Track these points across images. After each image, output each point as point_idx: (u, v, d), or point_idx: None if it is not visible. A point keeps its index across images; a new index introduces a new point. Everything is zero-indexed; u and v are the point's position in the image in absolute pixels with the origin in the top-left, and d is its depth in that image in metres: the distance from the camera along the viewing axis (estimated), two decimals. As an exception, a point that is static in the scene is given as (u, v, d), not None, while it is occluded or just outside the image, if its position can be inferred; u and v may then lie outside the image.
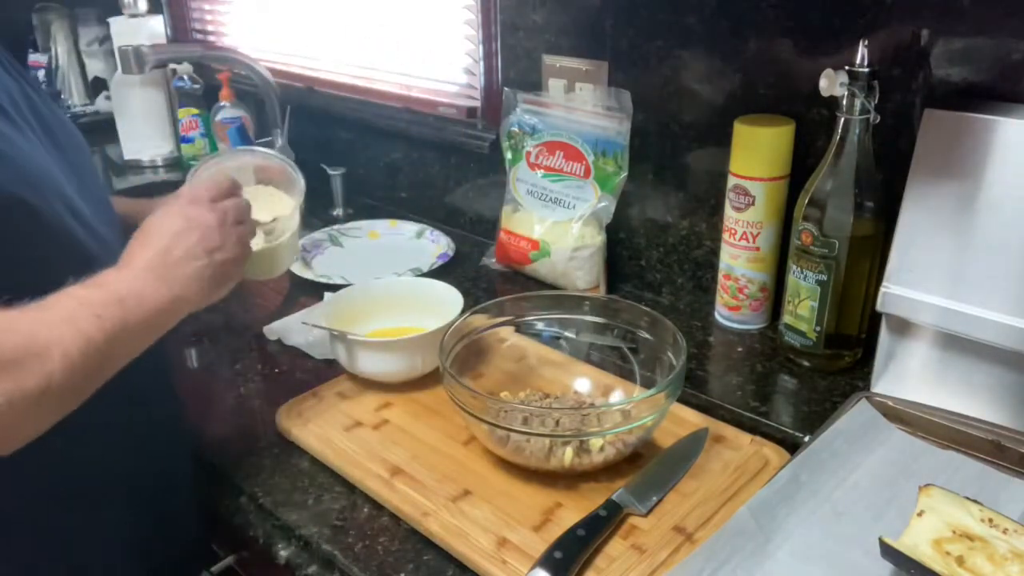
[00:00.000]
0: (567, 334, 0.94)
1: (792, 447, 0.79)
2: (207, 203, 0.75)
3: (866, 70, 0.81)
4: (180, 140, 1.75)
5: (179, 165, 1.79)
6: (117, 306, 0.63)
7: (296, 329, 1.06)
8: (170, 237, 0.70)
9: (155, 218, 0.72)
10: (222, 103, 1.65)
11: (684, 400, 0.86)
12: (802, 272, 0.90)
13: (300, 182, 0.95)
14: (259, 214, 0.86)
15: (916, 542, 0.61)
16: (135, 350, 0.65)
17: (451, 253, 1.29)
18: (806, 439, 0.78)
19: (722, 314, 1.06)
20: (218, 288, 0.74)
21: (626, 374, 0.89)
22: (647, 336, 0.86)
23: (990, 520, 0.62)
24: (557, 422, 0.74)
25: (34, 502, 0.69)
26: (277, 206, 0.93)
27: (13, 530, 0.68)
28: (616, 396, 0.87)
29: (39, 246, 0.65)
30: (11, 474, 0.65)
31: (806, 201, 0.88)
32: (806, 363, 0.95)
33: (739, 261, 1.01)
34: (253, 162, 0.96)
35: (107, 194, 0.81)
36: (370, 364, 0.90)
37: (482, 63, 1.28)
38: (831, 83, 0.82)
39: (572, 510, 0.72)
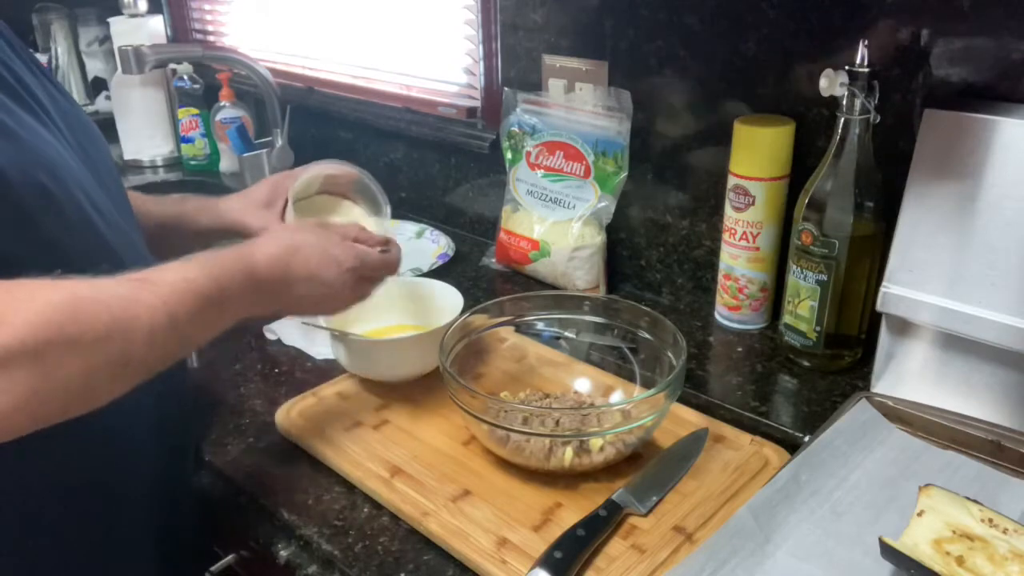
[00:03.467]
0: (567, 334, 0.94)
1: (792, 447, 0.79)
2: (354, 255, 0.77)
3: (866, 70, 0.81)
4: (180, 140, 1.75)
5: (179, 165, 1.79)
6: (215, 307, 0.65)
7: (296, 329, 1.06)
8: (302, 272, 0.73)
9: (302, 241, 0.75)
10: (222, 103, 1.65)
11: (684, 400, 0.86)
12: (802, 272, 0.90)
13: (383, 205, 1.01)
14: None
15: (916, 542, 0.61)
16: (206, 341, 0.68)
17: (451, 253, 1.29)
18: (806, 439, 0.78)
19: (722, 314, 1.06)
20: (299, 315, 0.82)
21: (626, 374, 0.89)
22: (647, 336, 0.86)
23: (990, 520, 0.62)
24: (557, 422, 0.74)
25: (34, 502, 0.69)
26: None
27: (12, 530, 0.68)
28: (616, 396, 0.87)
29: (58, 234, 0.66)
30: (11, 474, 0.65)
31: (806, 201, 0.88)
32: (806, 363, 0.95)
33: (739, 261, 1.01)
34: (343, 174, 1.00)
35: (123, 189, 0.82)
36: (370, 364, 0.90)
37: (482, 63, 1.28)
38: (831, 83, 0.82)
39: (572, 510, 0.72)
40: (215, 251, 0.69)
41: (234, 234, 0.95)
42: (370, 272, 0.79)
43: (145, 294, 0.60)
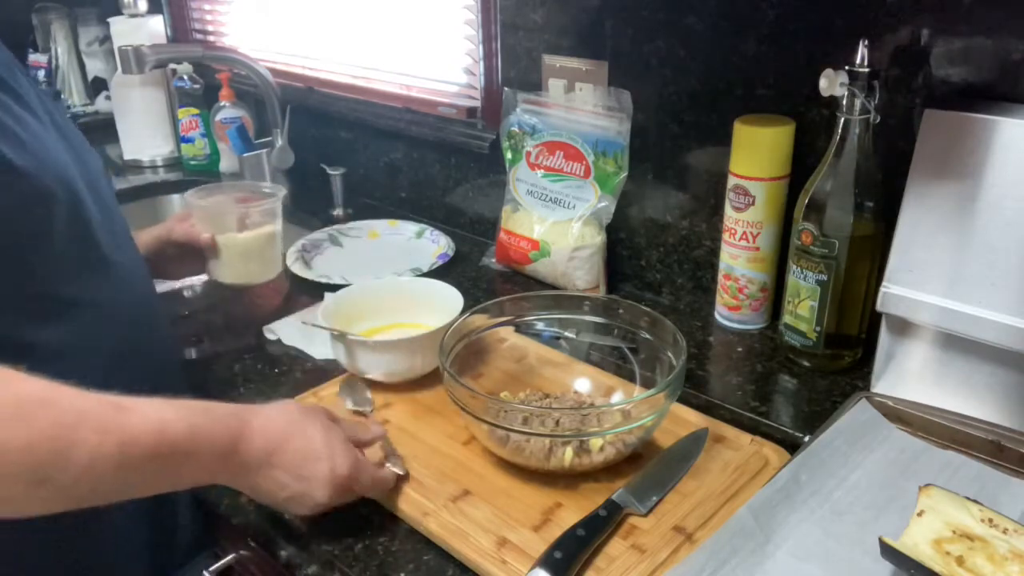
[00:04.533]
0: (567, 334, 0.94)
1: (792, 447, 0.79)
2: (351, 464, 0.69)
3: (866, 70, 0.81)
4: (180, 140, 1.75)
5: (179, 165, 1.79)
6: (177, 461, 0.59)
7: (296, 329, 1.06)
8: (291, 460, 0.66)
9: (305, 427, 0.68)
10: (222, 103, 1.65)
11: (684, 400, 0.86)
12: (802, 272, 0.90)
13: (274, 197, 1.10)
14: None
15: (916, 542, 0.61)
16: (151, 492, 0.61)
17: (451, 253, 1.29)
18: (806, 439, 0.78)
19: (722, 314, 1.06)
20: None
21: (626, 374, 0.89)
22: (647, 336, 0.86)
23: (990, 520, 0.62)
24: (557, 422, 0.74)
25: None
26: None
27: (10, 529, 0.68)
28: (616, 396, 0.87)
29: (61, 242, 0.67)
30: None
31: (806, 201, 0.88)
32: (806, 363, 0.95)
33: (739, 261, 1.01)
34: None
35: (114, 197, 0.83)
36: (370, 364, 0.90)
37: (482, 63, 1.29)
38: (831, 83, 0.82)
39: (572, 510, 0.72)
40: (212, 403, 0.64)
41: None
42: (359, 488, 0.71)
43: (108, 419, 0.55)
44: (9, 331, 0.65)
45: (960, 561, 0.59)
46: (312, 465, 0.67)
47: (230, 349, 1.04)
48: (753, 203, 0.97)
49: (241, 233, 1.07)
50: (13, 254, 0.64)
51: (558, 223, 1.16)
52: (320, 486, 0.67)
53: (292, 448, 0.66)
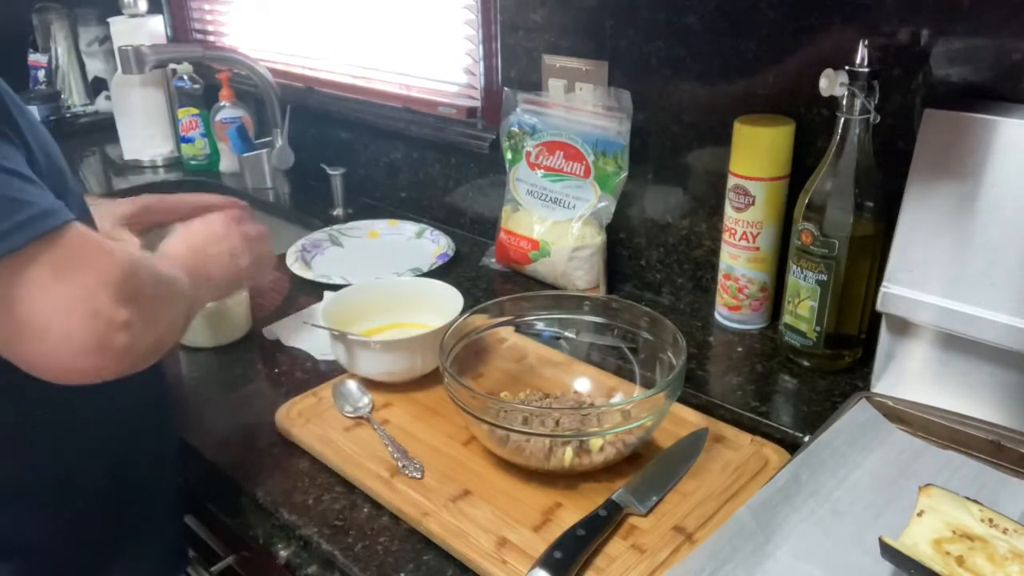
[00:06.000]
0: (567, 334, 0.94)
1: (792, 447, 0.79)
2: (237, 221, 0.86)
3: (866, 70, 0.81)
4: (180, 140, 1.75)
5: (179, 165, 1.79)
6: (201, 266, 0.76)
7: (296, 329, 1.06)
8: (207, 238, 0.81)
9: (196, 224, 0.84)
10: (222, 103, 1.66)
11: (684, 400, 0.86)
12: (802, 272, 0.90)
13: None
14: None
15: (916, 542, 0.61)
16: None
17: (451, 253, 1.29)
18: (806, 439, 0.78)
19: (722, 314, 1.06)
20: (228, 291, 0.86)
21: (626, 374, 0.89)
22: (647, 336, 0.86)
23: (990, 520, 0.62)
24: (557, 422, 0.74)
25: (24, 500, 0.69)
26: None
27: (6, 526, 0.68)
28: (616, 396, 0.87)
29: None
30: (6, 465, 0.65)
31: (806, 201, 0.88)
32: (806, 363, 0.95)
33: (739, 261, 1.01)
34: None
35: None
36: (370, 364, 0.90)
37: (482, 63, 1.28)
38: (831, 83, 0.82)
39: (572, 510, 0.72)
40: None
41: None
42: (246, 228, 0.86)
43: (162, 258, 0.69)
44: None
45: (960, 561, 0.59)
46: (222, 247, 0.82)
47: (230, 349, 1.04)
48: (753, 203, 0.97)
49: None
50: None
51: (558, 223, 1.16)
52: (236, 253, 0.82)
53: (200, 246, 0.81)
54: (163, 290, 0.64)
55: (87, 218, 0.72)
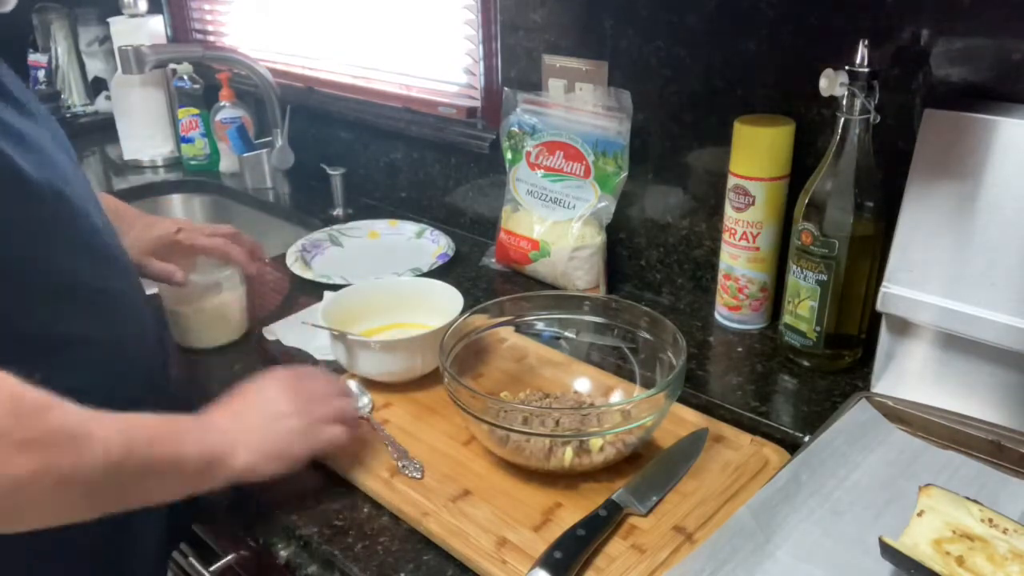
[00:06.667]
0: (567, 334, 0.94)
1: (792, 447, 0.79)
2: (322, 394, 0.76)
3: (866, 70, 0.81)
4: (180, 140, 1.75)
5: (179, 165, 1.79)
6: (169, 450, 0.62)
7: (296, 329, 1.06)
8: (261, 413, 0.71)
9: (263, 388, 0.74)
10: (222, 103, 1.66)
11: (684, 400, 0.86)
12: (802, 272, 0.90)
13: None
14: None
15: (916, 542, 0.61)
16: (154, 496, 0.63)
17: (451, 253, 1.29)
18: (806, 439, 0.79)
19: (722, 314, 1.06)
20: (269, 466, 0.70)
21: (626, 374, 0.89)
22: (647, 336, 0.86)
23: (990, 520, 0.62)
24: (557, 422, 0.74)
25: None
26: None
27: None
28: (616, 396, 0.87)
29: (73, 237, 0.68)
30: None
31: (806, 201, 0.88)
32: (806, 363, 0.95)
33: (739, 261, 1.01)
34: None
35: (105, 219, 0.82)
36: (370, 364, 0.90)
37: (482, 63, 1.29)
38: (831, 83, 0.82)
39: (572, 510, 0.72)
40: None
41: None
42: (330, 403, 0.76)
43: (99, 419, 0.57)
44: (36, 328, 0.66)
45: (960, 561, 0.59)
46: (274, 402, 0.72)
47: (230, 349, 1.04)
48: (753, 203, 0.97)
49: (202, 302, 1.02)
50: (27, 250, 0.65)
51: (558, 223, 1.16)
52: (295, 406, 0.72)
53: (248, 402, 0.72)
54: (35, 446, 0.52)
55: (96, 231, 0.71)
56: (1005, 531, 0.62)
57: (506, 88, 1.23)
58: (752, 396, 0.91)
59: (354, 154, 1.56)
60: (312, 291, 1.17)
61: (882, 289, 0.82)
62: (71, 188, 0.69)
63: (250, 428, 0.69)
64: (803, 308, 0.92)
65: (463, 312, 0.89)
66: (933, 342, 0.82)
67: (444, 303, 0.95)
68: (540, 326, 0.93)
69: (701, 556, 0.63)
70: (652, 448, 0.80)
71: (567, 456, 0.74)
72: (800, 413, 0.88)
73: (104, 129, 1.89)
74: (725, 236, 1.01)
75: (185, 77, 1.69)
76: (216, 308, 1.02)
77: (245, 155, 1.61)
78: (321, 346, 1.00)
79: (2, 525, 0.53)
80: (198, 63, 1.68)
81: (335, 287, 1.14)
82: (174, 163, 1.80)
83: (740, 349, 1.01)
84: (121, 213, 0.99)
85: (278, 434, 0.70)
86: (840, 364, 0.94)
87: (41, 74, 2.04)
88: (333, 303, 0.96)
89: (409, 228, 1.39)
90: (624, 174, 1.11)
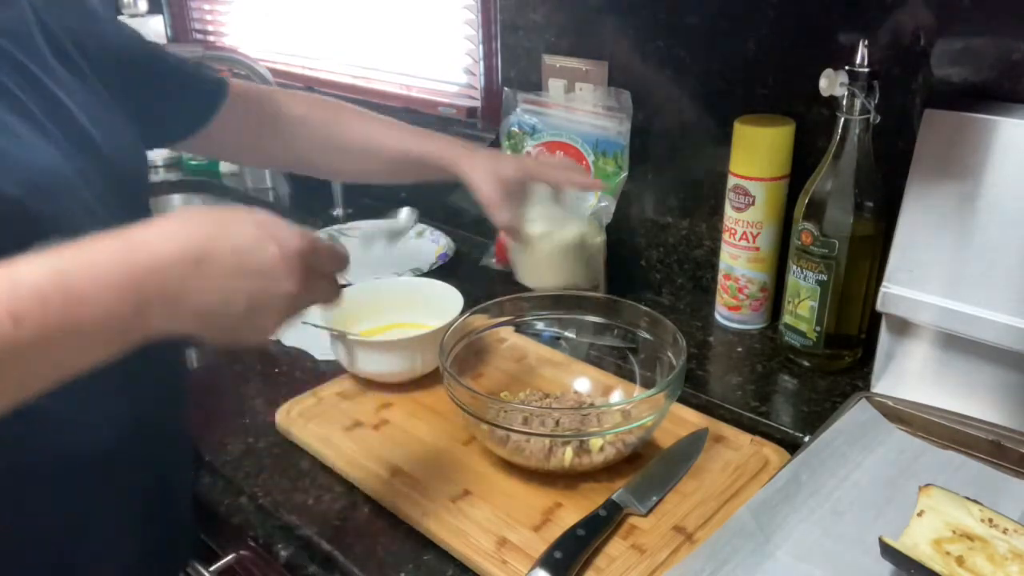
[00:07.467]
0: (567, 334, 0.94)
1: (792, 447, 0.79)
2: (300, 234, 0.57)
3: (866, 70, 0.81)
4: (180, 140, 1.75)
5: (179, 165, 1.79)
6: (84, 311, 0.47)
7: (296, 329, 1.05)
8: (234, 268, 0.53)
9: (229, 229, 0.54)
10: (222, 103, 1.65)
11: (684, 400, 0.86)
12: (802, 272, 0.90)
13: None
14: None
15: (916, 542, 0.61)
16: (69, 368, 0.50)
17: (451, 253, 1.29)
18: (806, 439, 0.78)
19: (722, 314, 1.06)
20: (226, 338, 0.56)
21: (626, 374, 0.89)
22: (647, 336, 0.86)
23: (990, 520, 0.62)
24: (557, 422, 0.74)
25: (15, 486, 0.68)
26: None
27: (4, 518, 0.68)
28: (616, 396, 0.87)
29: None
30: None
31: (806, 201, 0.88)
32: (806, 363, 0.94)
33: (739, 261, 1.01)
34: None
35: (147, 200, 0.74)
36: (370, 364, 0.90)
37: (482, 63, 1.29)
38: (831, 83, 0.82)
39: (572, 510, 0.72)
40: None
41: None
42: (319, 261, 0.58)
43: None
44: None
45: (960, 561, 0.59)
46: (255, 255, 0.53)
47: (230, 349, 1.04)
48: (753, 203, 0.97)
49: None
50: None
51: (558, 223, 1.16)
52: (278, 272, 0.54)
53: (221, 247, 0.52)
54: None
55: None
56: (1005, 531, 0.62)
57: (506, 88, 1.23)
58: (752, 396, 0.91)
59: (354, 154, 1.56)
60: (312, 291, 1.17)
61: (882, 289, 0.82)
62: (45, 192, 0.57)
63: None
64: (803, 308, 0.92)
65: (463, 312, 0.89)
66: (933, 342, 0.82)
67: (444, 303, 0.95)
68: (540, 326, 0.93)
69: (701, 556, 0.63)
70: (652, 448, 0.80)
71: (567, 456, 0.74)
72: (800, 413, 0.88)
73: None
74: (725, 236, 1.01)
75: (185, 77, 1.69)
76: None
77: (245, 155, 1.60)
78: (321, 346, 1.00)
79: None
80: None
81: (335, 287, 1.14)
82: (174, 163, 1.80)
83: (740, 349, 1.01)
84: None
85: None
86: (840, 364, 0.94)
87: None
88: (333, 303, 0.96)
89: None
90: (624, 174, 1.11)
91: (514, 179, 0.85)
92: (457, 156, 0.89)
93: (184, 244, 0.51)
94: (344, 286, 0.67)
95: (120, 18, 1.77)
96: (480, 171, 0.86)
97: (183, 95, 0.88)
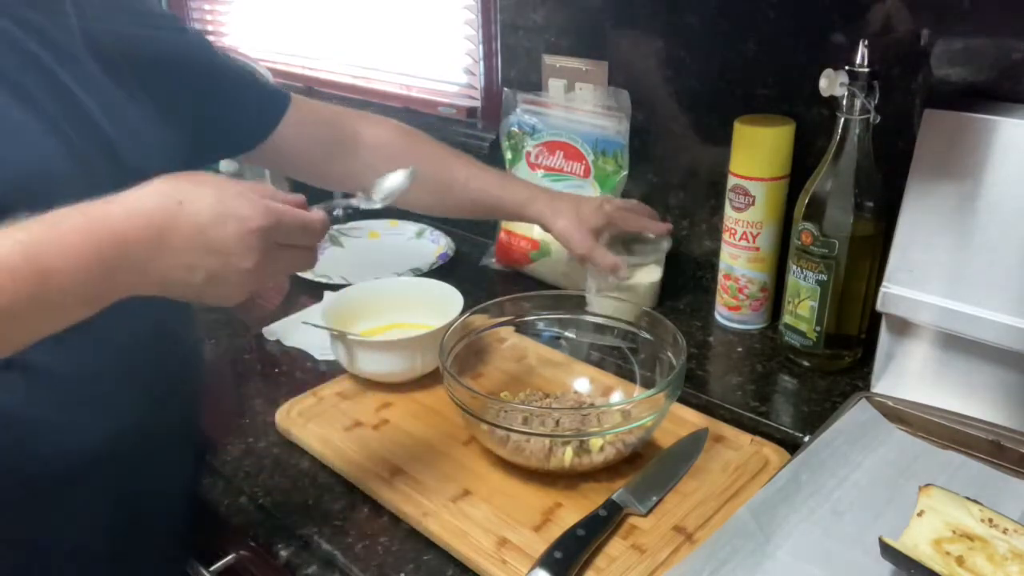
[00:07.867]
0: (567, 334, 0.94)
1: (792, 447, 0.79)
2: (264, 209, 0.57)
3: (866, 70, 0.81)
4: (180, 140, 1.74)
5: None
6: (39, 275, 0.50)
7: (296, 329, 1.06)
8: (188, 228, 0.54)
9: (189, 191, 0.55)
10: (222, 103, 1.65)
11: (684, 400, 0.86)
12: (802, 272, 0.90)
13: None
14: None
15: (916, 542, 0.61)
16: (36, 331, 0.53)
17: (451, 253, 1.29)
18: (806, 439, 0.78)
19: (722, 314, 1.06)
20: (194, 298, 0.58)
21: (626, 374, 0.89)
22: (647, 336, 0.86)
23: (990, 520, 0.62)
24: (557, 422, 0.74)
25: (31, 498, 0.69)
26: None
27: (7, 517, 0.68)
28: (616, 396, 0.87)
29: None
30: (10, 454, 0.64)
31: (806, 201, 0.88)
32: (806, 363, 0.95)
33: (739, 261, 1.01)
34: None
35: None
36: (370, 364, 0.90)
37: (482, 63, 1.29)
38: (831, 83, 0.82)
39: (572, 510, 0.72)
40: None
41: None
42: (286, 235, 0.58)
43: None
44: None
45: (960, 561, 0.59)
46: (213, 232, 0.54)
47: (230, 349, 1.04)
48: (753, 203, 0.97)
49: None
50: None
51: (558, 223, 1.16)
52: (237, 248, 0.55)
53: (182, 224, 0.54)
54: None
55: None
56: (1005, 531, 0.62)
57: (506, 88, 1.23)
58: (752, 396, 0.91)
59: (354, 154, 1.56)
60: (312, 291, 1.17)
61: (882, 289, 0.82)
62: (29, 191, 0.57)
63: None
64: (803, 308, 0.92)
65: (463, 312, 0.89)
66: (933, 342, 0.82)
67: (444, 303, 0.95)
68: (540, 326, 0.93)
69: (701, 556, 0.63)
70: (652, 448, 0.80)
71: (567, 456, 0.74)
72: (800, 413, 0.88)
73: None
74: (725, 236, 1.01)
75: (185, 77, 1.69)
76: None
77: (245, 155, 1.60)
78: (321, 346, 1.00)
79: None
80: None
81: (335, 287, 1.14)
82: (174, 163, 1.80)
83: (740, 349, 1.01)
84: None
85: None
86: (840, 364, 0.94)
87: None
88: (333, 303, 0.96)
89: (409, 228, 1.39)
90: (624, 173, 1.11)
91: (598, 227, 0.94)
92: (539, 205, 0.95)
93: (147, 221, 0.54)
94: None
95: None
96: (564, 220, 0.93)
97: (243, 106, 0.88)
